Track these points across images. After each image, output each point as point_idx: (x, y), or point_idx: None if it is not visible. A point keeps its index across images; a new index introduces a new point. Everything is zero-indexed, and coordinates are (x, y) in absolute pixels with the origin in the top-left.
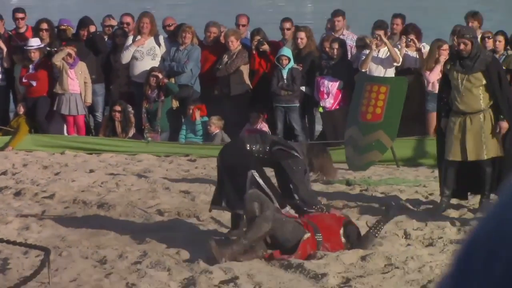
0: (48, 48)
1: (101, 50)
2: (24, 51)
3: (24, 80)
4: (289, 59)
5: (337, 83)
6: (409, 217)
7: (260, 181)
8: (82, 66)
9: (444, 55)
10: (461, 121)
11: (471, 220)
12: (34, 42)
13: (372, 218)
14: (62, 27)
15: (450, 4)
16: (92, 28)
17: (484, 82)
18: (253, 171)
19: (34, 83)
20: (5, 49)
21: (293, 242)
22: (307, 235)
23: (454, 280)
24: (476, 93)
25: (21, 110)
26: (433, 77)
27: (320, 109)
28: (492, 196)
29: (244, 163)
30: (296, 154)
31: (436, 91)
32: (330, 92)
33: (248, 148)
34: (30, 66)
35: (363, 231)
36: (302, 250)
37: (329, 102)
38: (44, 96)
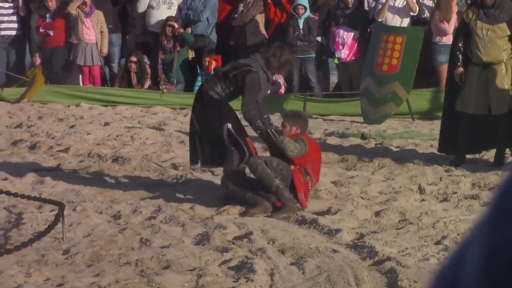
0: None
1: (119, 2)
2: (39, 0)
3: (41, 30)
4: (305, 8)
5: (353, 33)
6: (423, 172)
7: (235, 135)
8: (98, 15)
9: (454, 4)
10: (482, 73)
11: (487, 174)
12: None
13: (387, 172)
14: None
15: None
16: None
17: (508, 33)
18: (228, 124)
19: (51, 33)
20: None
21: (289, 176)
22: (291, 166)
23: (490, 224)
24: (500, 44)
25: (37, 60)
26: (452, 28)
27: (336, 60)
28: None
29: (218, 115)
30: (249, 68)
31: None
32: (346, 42)
33: (213, 94)
34: (47, 15)
35: (377, 186)
36: (298, 184)
37: (345, 53)
38: (61, 46)
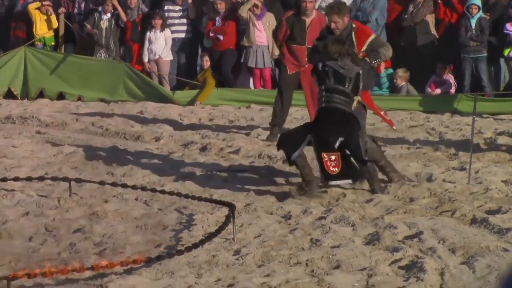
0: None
1: (289, 4)
2: (210, 3)
3: (211, 34)
4: (479, 8)
5: None
6: None
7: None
8: (270, 17)
9: None
10: None
11: None
12: None
13: None
14: None
15: None
16: None
17: None
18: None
19: (220, 37)
20: (190, 0)
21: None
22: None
23: None
24: None
25: (207, 63)
26: None
27: (506, 52)
28: None
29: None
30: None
31: None
32: None
33: (341, 107)
34: (217, 19)
35: None
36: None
37: None
38: (231, 48)
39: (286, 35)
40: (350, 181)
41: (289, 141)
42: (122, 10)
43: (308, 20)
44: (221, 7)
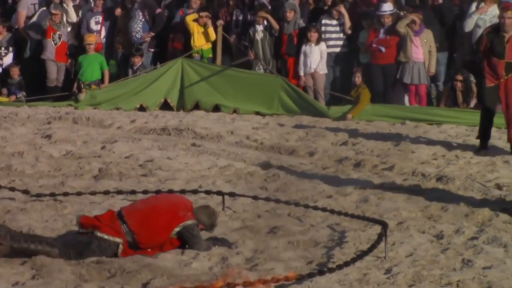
0: (397, 11)
1: (447, 22)
2: (376, 16)
3: (373, 45)
4: None
5: None
6: None
7: None
8: (428, 34)
9: None
10: None
11: None
12: (388, 7)
13: None
14: None
15: None
16: None
17: None
18: None
19: (382, 49)
20: (346, 14)
21: None
22: None
23: None
24: None
25: (359, 79)
26: None
27: None
28: None
29: None
30: None
31: None
32: None
33: None
34: (381, 31)
35: None
36: None
37: None
38: (391, 63)
39: (486, 48)
40: None
41: None
42: (276, 21)
43: (507, 36)
44: (388, 21)
